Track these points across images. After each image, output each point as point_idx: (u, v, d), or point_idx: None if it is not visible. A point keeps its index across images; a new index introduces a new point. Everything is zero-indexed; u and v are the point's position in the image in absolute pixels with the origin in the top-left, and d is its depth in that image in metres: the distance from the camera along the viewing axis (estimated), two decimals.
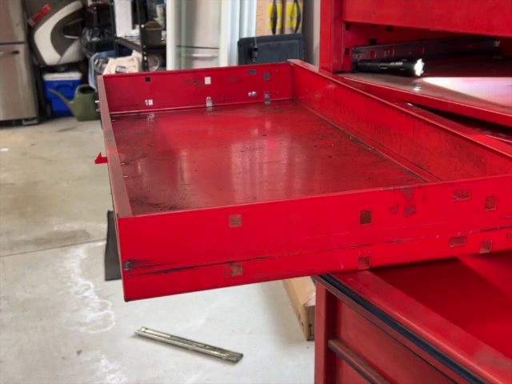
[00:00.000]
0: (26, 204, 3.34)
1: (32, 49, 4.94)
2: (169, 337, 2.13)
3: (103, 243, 2.87)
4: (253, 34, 2.99)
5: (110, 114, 0.94)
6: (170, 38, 3.34)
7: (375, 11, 1.00)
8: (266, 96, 1.18)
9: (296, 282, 2.21)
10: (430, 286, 0.64)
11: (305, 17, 3.00)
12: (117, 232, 0.55)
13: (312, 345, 1.32)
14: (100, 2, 4.91)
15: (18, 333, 2.19)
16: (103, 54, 4.76)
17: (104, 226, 3.03)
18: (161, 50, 3.61)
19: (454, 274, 0.65)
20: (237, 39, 2.94)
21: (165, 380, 1.95)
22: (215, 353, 2.04)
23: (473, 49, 1.19)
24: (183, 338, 2.12)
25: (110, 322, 2.26)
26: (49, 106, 5.10)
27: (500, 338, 0.54)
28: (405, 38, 1.14)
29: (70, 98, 4.94)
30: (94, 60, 4.75)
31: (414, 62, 1.05)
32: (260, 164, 0.93)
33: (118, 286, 2.48)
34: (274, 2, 2.94)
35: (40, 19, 4.95)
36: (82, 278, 2.58)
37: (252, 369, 1.97)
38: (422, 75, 1.05)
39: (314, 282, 2.05)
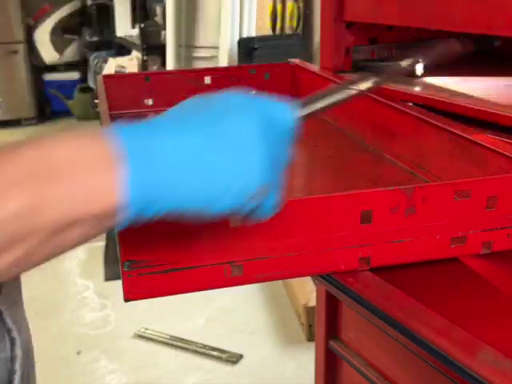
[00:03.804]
0: None
1: (31, 48, 4.93)
2: (169, 337, 2.13)
3: (102, 243, 2.87)
4: (253, 34, 2.99)
5: (110, 114, 0.93)
6: (169, 37, 3.34)
7: (375, 11, 1.00)
8: None
9: (296, 282, 2.21)
10: (430, 286, 0.64)
11: (305, 17, 3.00)
12: (116, 232, 0.55)
13: (312, 345, 1.32)
14: (99, 2, 4.91)
15: None
16: (103, 53, 4.75)
17: None
18: (160, 50, 3.61)
19: (454, 274, 0.65)
20: (237, 39, 2.94)
21: (164, 380, 1.95)
22: (215, 353, 2.04)
23: (473, 48, 1.19)
24: (183, 339, 2.12)
25: (109, 323, 2.26)
26: (48, 105, 5.10)
27: (500, 338, 0.54)
28: (405, 37, 1.14)
29: (70, 97, 4.94)
30: (94, 60, 4.75)
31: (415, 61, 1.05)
32: None
33: (117, 286, 2.47)
34: (274, 2, 2.94)
35: (39, 18, 4.95)
36: (81, 279, 2.58)
37: (252, 369, 1.97)
38: (423, 75, 1.05)
39: (314, 282, 2.05)
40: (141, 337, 2.15)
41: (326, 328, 1.18)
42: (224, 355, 2.03)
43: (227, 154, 0.43)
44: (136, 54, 4.00)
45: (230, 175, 0.43)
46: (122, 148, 0.40)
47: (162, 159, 0.41)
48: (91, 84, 4.79)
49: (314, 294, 1.37)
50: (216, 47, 3.10)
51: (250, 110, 0.45)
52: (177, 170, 0.41)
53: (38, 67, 5.02)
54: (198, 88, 1.15)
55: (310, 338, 2.04)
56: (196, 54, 3.33)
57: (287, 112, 0.49)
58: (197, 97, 0.47)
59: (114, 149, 0.39)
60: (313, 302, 1.98)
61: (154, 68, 3.79)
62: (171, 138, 0.42)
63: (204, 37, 3.26)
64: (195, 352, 2.06)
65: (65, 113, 5.00)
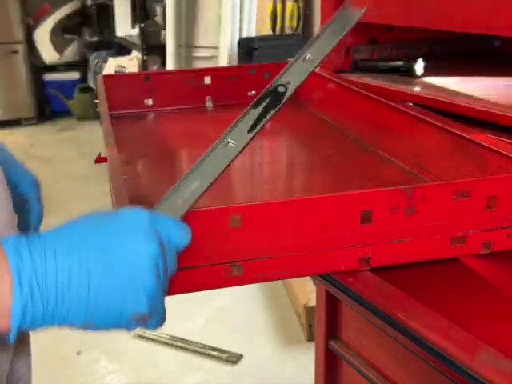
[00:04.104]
0: None
1: (31, 48, 4.93)
2: (168, 337, 2.13)
3: None
4: (253, 34, 2.99)
5: (110, 114, 0.93)
6: (169, 37, 3.34)
7: (376, 11, 1.00)
8: None
9: (296, 282, 2.21)
10: (430, 285, 0.64)
11: (305, 16, 3.00)
12: None
13: (312, 345, 1.32)
14: (99, 2, 4.90)
15: None
16: (103, 53, 4.75)
17: None
18: (160, 50, 3.61)
19: (454, 274, 0.65)
20: (237, 39, 2.94)
21: (164, 380, 1.95)
22: (215, 353, 2.04)
23: (473, 48, 1.19)
24: (183, 339, 2.12)
25: None
26: (48, 105, 5.09)
27: (500, 338, 0.54)
28: (405, 37, 1.14)
29: (70, 97, 4.94)
30: (94, 59, 4.74)
31: (415, 61, 1.05)
32: (260, 164, 0.93)
33: None
34: (274, 2, 2.94)
35: (39, 18, 4.95)
36: None
37: (252, 369, 1.97)
38: (423, 75, 1.05)
39: (314, 282, 2.05)
40: (141, 337, 2.15)
41: (326, 328, 1.18)
42: (224, 355, 2.03)
43: (114, 285, 0.44)
44: (136, 54, 4.00)
45: (112, 304, 0.44)
46: (9, 270, 0.42)
47: (45, 282, 0.42)
48: (91, 84, 4.79)
49: (314, 294, 1.37)
50: (216, 47, 3.10)
51: (146, 237, 0.46)
52: (59, 293, 0.43)
53: (37, 67, 5.02)
54: (198, 88, 1.15)
55: (310, 338, 2.04)
56: (196, 54, 3.33)
57: (184, 233, 0.50)
58: (94, 213, 0.48)
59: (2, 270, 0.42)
60: (313, 302, 1.98)
61: (154, 68, 3.79)
62: (60, 258, 0.43)
63: (204, 37, 3.26)
64: (195, 352, 2.06)
65: (65, 113, 5.00)
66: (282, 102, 0.59)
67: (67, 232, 0.45)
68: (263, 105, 0.58)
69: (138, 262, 0.45)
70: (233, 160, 0.56)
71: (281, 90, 0.59)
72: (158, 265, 0.46)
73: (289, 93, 0.59)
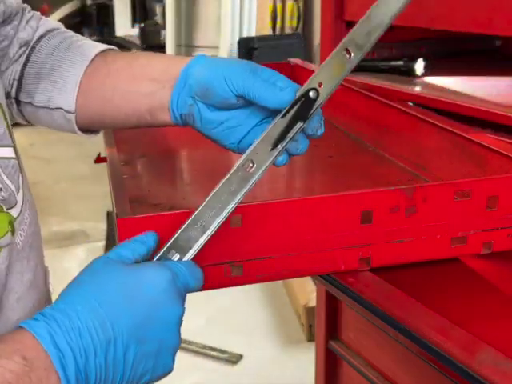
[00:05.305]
0: None
1: None
2: None
3: (102, 243, 2.86)
4: (253, 34, 2.99)
5: None
6: (169, 37, 3.34)
7: None
8: None
9: (296, 282, 2.21)
10: (430, 286, 0.64)
11: (305, 16, 3.00)
12: (116, 232, 0.55)
13: (312, 345, 1.32)
14: (99, 1, 4.91)
15: None
16: None
17: (103, 226, 3.03)
18: (160, 50, 3.61)
19: (454, 274, 0.65)
20: (237, 38, 2.94)
21: (164, 380, 1.94)
22: (215, 353, 2.04)
23: (473, 48, 1.19)
24: (183, 339, 2.12)
25: None
26: None
27: (500, 338, 0.54)
28: (405, 37, 1.13)
29: None
30: None
31: (415, 61, 1.05)
32: None
33: None
34: (274, 2, 2.94)
35: None
36: None
37: (252, 370, 1.97)
38: (423, 74, 1.05)
39: (314, 282, 2.05)
40: None
41: (326, 328, 1.18)
42: (224, 355, 2.02)
43: (148, 356, 0.47)
44: None
45: (146, 372, 0.47)
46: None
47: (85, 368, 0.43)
48: None
49: (314, 294, 1.37)
50: (216, 47, 3.10)
51: (174, 302, 0.47)
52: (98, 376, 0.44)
53: None
54: None
55: (310, 338, 2.04)
56: (196, 54, 3.33)
57: (197, 278, 0.50)
58: (115, 275, 0.46)
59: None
60: (313, 302, 1.98)
61: None
62: (96, 339, 0.44)
63: (204, 37, 3.26)
64: (195, 352, 2.06)
65: None
66: (313, 109, 0.49)
67: (96, 305, 0.44)
68: (289, 116, 0.49)
69: (169, 329, 0.48)
70: (252, 185, 0.49)
71: (312, 95, 0.50)
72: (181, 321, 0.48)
73: (322, 98, 0.49)
